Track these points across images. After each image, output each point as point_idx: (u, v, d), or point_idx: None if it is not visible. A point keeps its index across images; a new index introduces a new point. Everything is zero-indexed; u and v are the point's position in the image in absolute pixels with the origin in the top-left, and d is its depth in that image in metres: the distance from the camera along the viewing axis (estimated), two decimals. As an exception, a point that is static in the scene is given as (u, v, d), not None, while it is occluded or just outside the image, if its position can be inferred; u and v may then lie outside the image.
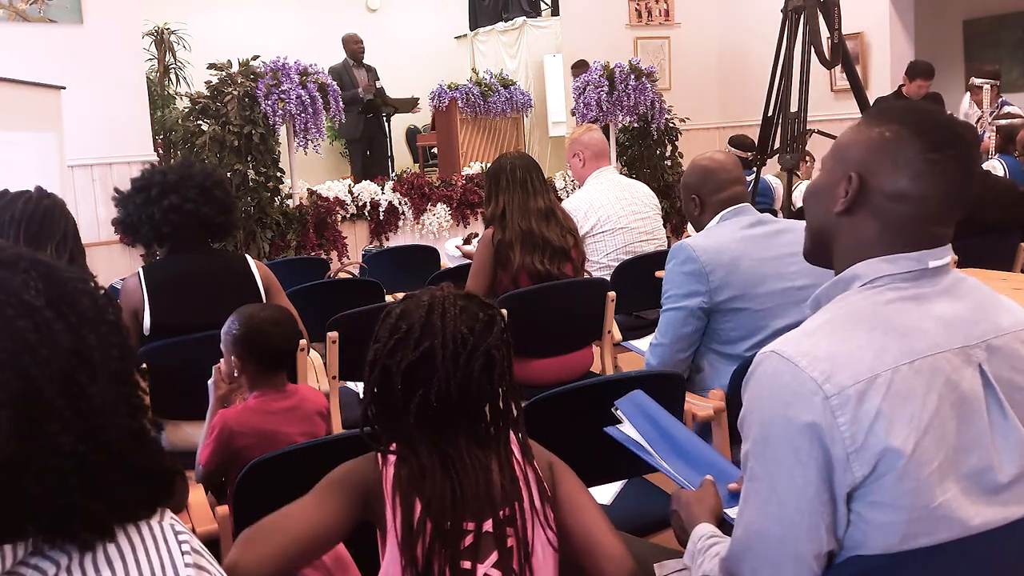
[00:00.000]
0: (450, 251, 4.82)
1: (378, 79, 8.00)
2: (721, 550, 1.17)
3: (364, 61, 7.89)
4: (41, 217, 2.45)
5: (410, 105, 7.88)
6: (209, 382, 2.02)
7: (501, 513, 1.20)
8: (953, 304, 1.08)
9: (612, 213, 3.67)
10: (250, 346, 1.94)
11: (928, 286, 1.09)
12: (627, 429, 1.51)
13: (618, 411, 1.54)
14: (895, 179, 1.08)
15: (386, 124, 8.23)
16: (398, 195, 6.46)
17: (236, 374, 1.95)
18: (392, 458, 1.24)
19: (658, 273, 2.52)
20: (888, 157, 1.08)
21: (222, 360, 2.01)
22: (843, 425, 0.98)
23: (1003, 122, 4.55)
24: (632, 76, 6.81)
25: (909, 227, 1.09)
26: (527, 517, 1.22)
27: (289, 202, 5.82)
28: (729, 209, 2.24)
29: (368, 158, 8.06)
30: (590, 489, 1.89)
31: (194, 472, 1.93)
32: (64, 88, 4.77)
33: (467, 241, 4.66)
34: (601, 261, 3.64)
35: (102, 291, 0.82)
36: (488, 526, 1.19)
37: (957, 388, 1.01)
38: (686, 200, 2.33)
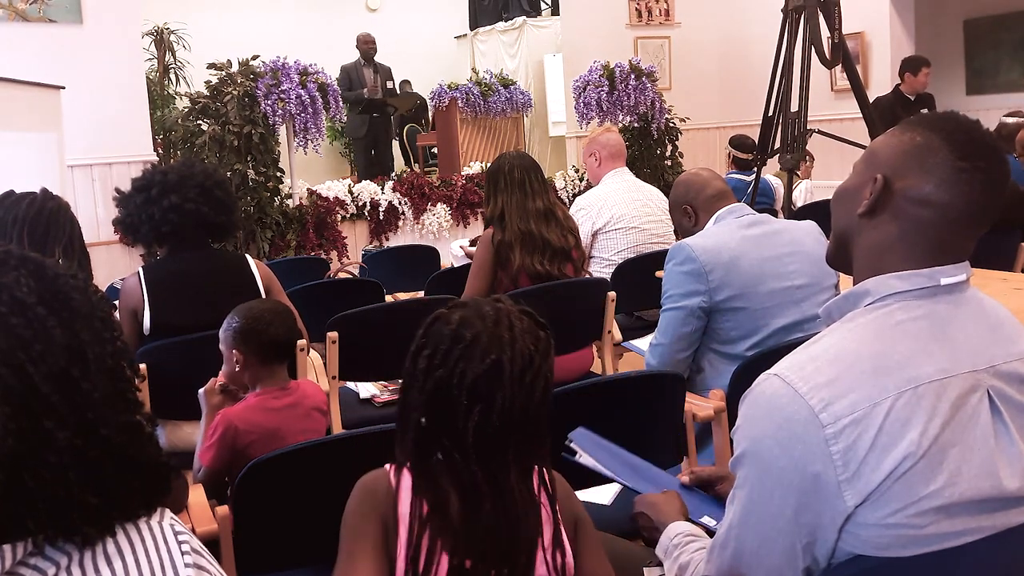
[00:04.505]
0: (455, 251, 4.83)
1: (391, 79, 8.00)
2: (705, 544, 1.21)
3: (377, 61, 7.91)
4: (46, 219, 2.45)
5: (409, 103, 7.89)
6: (200, 392, 2.00)
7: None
8: (965, 325, 1.06)
9: (626, 212, 3.68)
10: (252, 336, 1.94)
11: (942, 303, 1.07)
12: (584, 459, 1.55)
13: (573, 443, 1.57)
14: (920, 184, 1.07)
15: (391, 124, 8.25)
16: (398, 195, 6.47)
17: (238, 370, 1.94)
18: (406, 474, 1.16)
19: (658, 273, 2.52)
20: (915, 161, 1.08)
21: (221, 373, 2.00)
22: (836, 454, 0.98)
23: (1009, 120, 4.53)
24: (632, 76, 6.81)
25: (928, 234, 1.08)
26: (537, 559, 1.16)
27: (289, 202, 5.82)
28: (723, 209, 2.24)
29: (372, 157, 8.08)
30: (589, 490, 1.90)
31: (193, 473, 1.92)
32: (64, 88, 4.77)
33: (473, 243, 4.66)
34: (610, 259, 3.65)
35: (93, 288, 0.82)
36: None
37: (962, 413, 1.00)
38: (679, 217, 2.34)
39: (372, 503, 1.16)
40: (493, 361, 1.13)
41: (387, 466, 1.20)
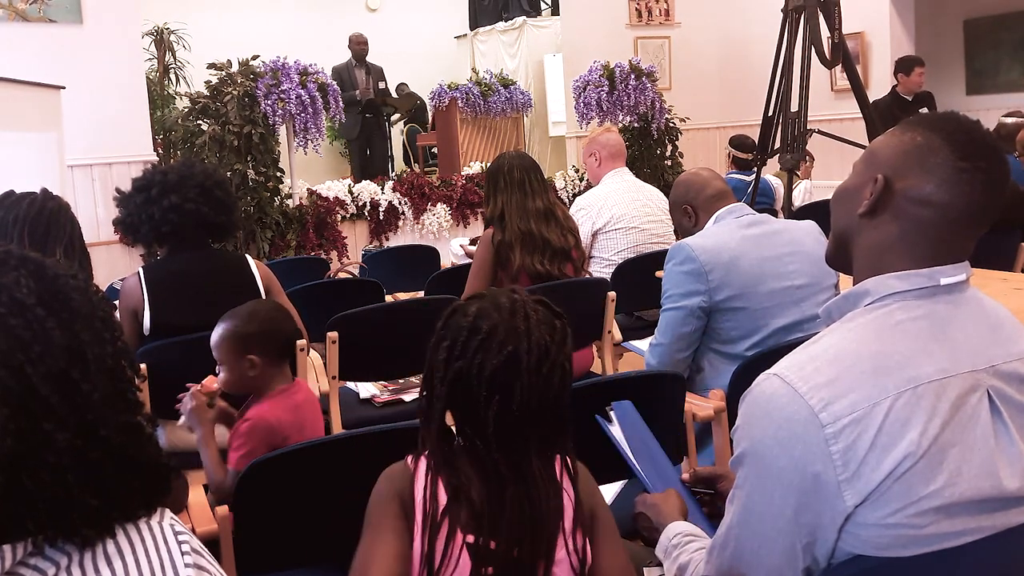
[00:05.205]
0: (455, 249, 4.83)
1: (383, 80, 8.00)
2: (705, 544, 1.21)
3: (369, 61, 7.92)
4: (47, 219, 2.45)
5: (408, 103, 7.88)
6: (189, 412, 1.91)
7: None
8: (965, 325, 1.07)
9: (626, 212, 3.68)
10: (272, 337, 1.93)
11: (942, 303, 1.07)
12: (614, 429, 1.58)
13: (612, 411, 1.60)
14: (921, 183, 1.07)
15: (386, 124, 8.24)
16: (398, 195, 6.47)
17: (253, 374, 1.91)
18: (423, 460, 1.19)
19: (658, 273, 2.53)
20: (916, 161, 1.08)
21: (215, 383, 1.93)
22: (836, 454, 0.98)
23: (1008, 120, 4.53)
24: (632, 76, 6.81)
25: (928, 234, 1.08)
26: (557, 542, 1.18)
27: (289, 202, 5.82)
28: (723, 208, 2.24)
29: (367, 158, 8.08)
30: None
31: (215, 481, 1.87)
32: (64, 88, 4.77)
33: (473, 242, 4.67)
34: (611, 259, 3.65)
35: (94, 288, 0.82)
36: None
37: (962, 413, 1.00)
38: (679, 217, 2.34)
39: (392, 485, 1.20)
40: (510, 352, 1.15)
41: (407, 456, 1.23)
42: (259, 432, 1.85)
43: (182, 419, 1.94)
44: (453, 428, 1.22)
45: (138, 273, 2.47)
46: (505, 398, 1.15)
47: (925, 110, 6.00)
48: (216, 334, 1.94)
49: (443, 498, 1.16)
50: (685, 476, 1.51)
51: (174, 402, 1.97)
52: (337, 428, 2.58)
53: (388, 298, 3.58)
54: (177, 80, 8.87)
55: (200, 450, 1.90)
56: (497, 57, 9.85)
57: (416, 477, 1.18)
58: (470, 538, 1.14)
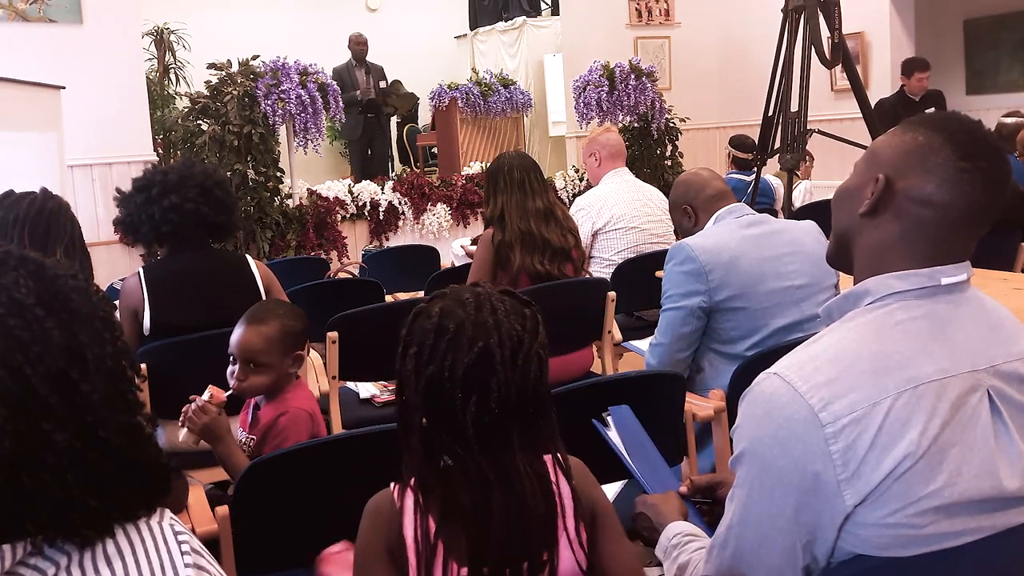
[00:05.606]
0: (456, 250, 4.83)
1: (384, 79, 8.01)
2: (704, 544, 1.21)
3: (369, 61, 7.92)
4: (47, 219, 2.45)
5: (408, 102, 7.88)
6: (184, 431, 1.85)
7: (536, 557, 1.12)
8: (965, 325, 1.07)
9: (626, 212, 3.69)
10: (307, 333, 1.97)
11: (942, 303, 1.07)
12: (611, 433, 1.57)
13: (608, 416, 1.59)
14: (922, 183, 1.08)
15: (387, 124, 8.25)
16: (398, 195, 6.47)
17: (294, 370, 1.92)
18: (410, 495, 1.13)
19: (658, 273, 2.53)
20: (918, 161, 1.08)
21: (217, 390, 1.89)
22: (835, 453, 0.98)
23: (1008, 120, 4.53)
24: (632, 76, 6.81)
25: (929, 234, 1.08)
26: (558, 538, 1.14)
27: (289, 202, 5.82)
28: (723, 209, 2.24)
29: (368, 158, 8.09)
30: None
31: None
32: (64, 88, 4.77)
33: (475, 242, 4.66)
34: (611, 259, 3.65)
35: (94, 288, 0.82)
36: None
37: (962, 413, 1.00)
38: (679, 217, 2.34)
39: (378, 530, 1.14)
40: (481, 348, 1.09)
41: (392, 485, 1.17)
42: (301, 422, 1.86)
43: (184, 433, 1.87)
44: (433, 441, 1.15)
45: (138, 273, 2.47)
46: (482, 397, 1.09)
47: (932, 110, 6.00)
48: (258, 335, 1.87)
49: (434, 532, 1.11)
50: (683, 489, 1.49)
51: (174, 402, 1.96)
52: (337, 428, 2.58)
53: (388, 298, 3.58)
54: (177, 80, 8.86)
55: (226, 461, 1.85)
56: (497, 57, 9.85)
57: (404, 517, 1.12)
58: (464, 571, 1.10)
